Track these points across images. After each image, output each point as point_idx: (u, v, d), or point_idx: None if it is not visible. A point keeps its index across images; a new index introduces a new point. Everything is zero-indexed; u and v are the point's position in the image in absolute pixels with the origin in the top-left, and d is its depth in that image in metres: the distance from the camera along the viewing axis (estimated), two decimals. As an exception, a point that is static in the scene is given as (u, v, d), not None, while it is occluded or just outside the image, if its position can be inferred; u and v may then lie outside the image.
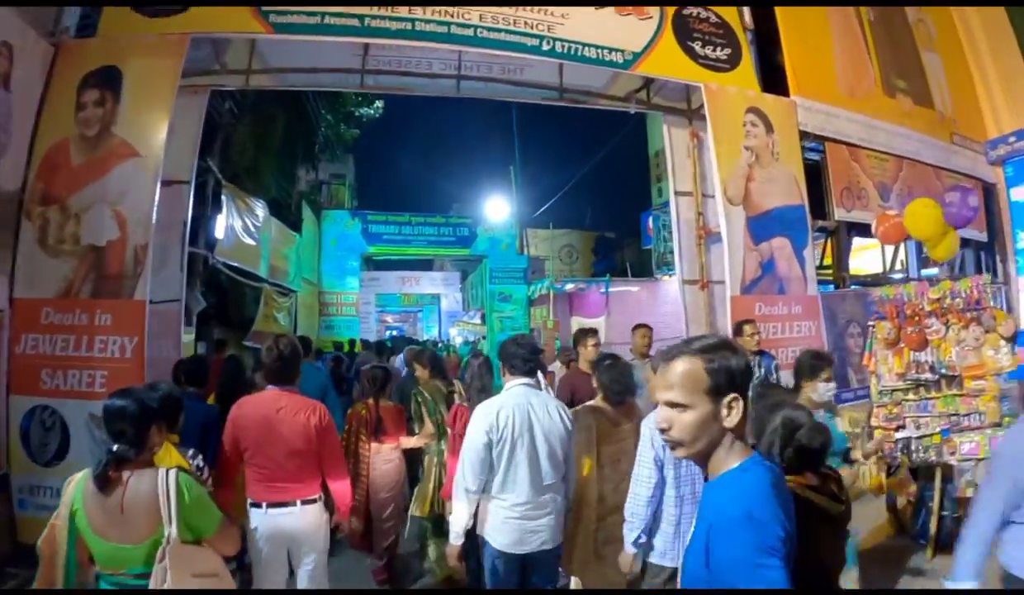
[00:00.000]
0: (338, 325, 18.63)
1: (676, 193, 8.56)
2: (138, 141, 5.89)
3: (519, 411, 3.36)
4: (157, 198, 5.76)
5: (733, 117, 8.08)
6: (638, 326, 7.06)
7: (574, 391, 5.55)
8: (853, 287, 9.41)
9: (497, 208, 22.03)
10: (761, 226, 7.89)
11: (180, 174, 6.75)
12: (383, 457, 5.17)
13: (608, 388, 3.99)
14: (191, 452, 3.40)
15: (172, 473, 2.55)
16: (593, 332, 6.45)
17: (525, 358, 3.55)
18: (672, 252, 21.70)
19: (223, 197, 10.48)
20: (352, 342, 22.12)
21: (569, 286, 18.65)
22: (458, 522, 3.42)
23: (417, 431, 5.33)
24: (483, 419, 3.36)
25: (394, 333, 44.48)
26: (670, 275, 21.70)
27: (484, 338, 24.75)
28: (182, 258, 6.52)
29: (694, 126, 8.87)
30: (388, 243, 19.54)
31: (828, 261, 10.29)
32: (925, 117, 10.35)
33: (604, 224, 35.09)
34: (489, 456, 3.31)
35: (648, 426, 3.35)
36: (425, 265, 41.56)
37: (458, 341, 29.11)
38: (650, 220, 23.47)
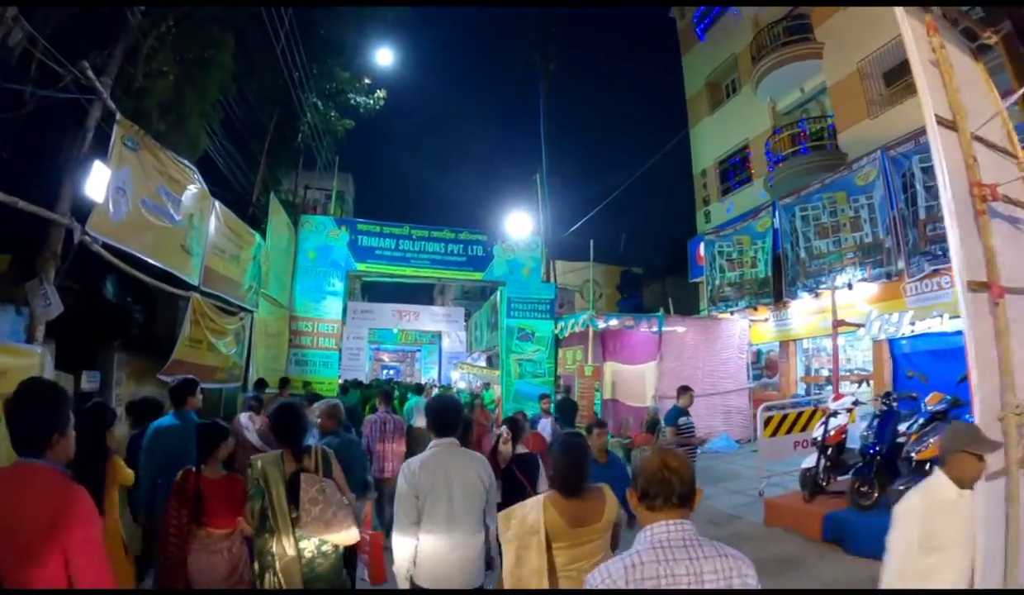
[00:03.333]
0: (312, 360, 14.46)
1: (939, 121, 4.46)
2: None
3: (437, 466, 3.63)
4: None
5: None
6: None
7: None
8: None
9: (519, 223, 17.99)
10: None
11: None
12: (207, 546, 3.94)
13: (560, 474, 3.28)
14: None
15: None
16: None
17: (440, 421, 3.82)
18: (733, 284, 18.26)
19: (114, 138, 6.43)
20: (349, 384, 18.02)
21: (613, 322, 14.48)
22: (400, 565, 3.57)
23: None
24: (407, 471, 3.60)
25: (390, 373, 41.24)
26: (730, 312, 18.10)
27: (488, 386, 20.72)
28: None
29: (932, 16, 4.93)
30: (381, 260, 15.45)
31: None
32: None
33: (631, 259, 31.92)
34: (416, 503, 3.53)
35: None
36: (426, 296, 38.30)
37: (460, 386, 25.25)
38: (700, 247, 19.82)
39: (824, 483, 7.79)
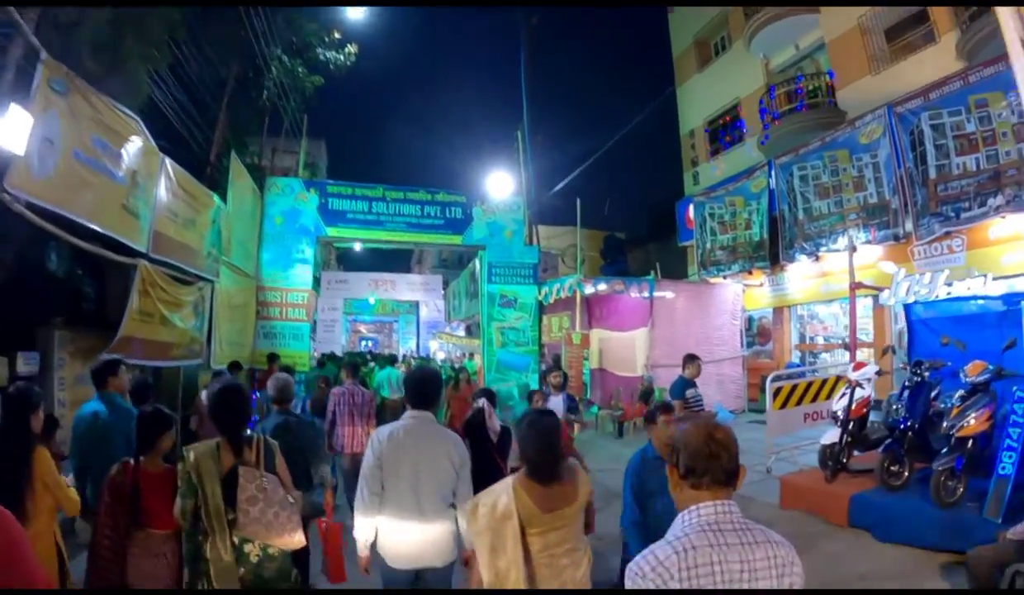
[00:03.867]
0: (282, 333, 13.62)
1: None
2: None
3: (407, 439, 3.58)
4: None
5: None
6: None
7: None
8: None
9: (500, 184, 17.11)
10: None
11: None
12: (148, 548, 3.52)
13: (532, 459, 3.00)
14: None
15: None
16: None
17: (419, 393, 3.74)
18: (725, 248, 17.45)
19: (38, 80, 5.58)
20: (326, 358, 17.31)
21: (602, 286, 13.75)
22: (360, 534, 3.59)
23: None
24: (375, 441, 3.59)
25: (369, 344, 40.60)
26: (723, 276, 17.44)
27: (469, 356, 20.01)
28: None
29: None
30: (353, 224, 14.57)
31: None
32: None
33: (614, 223, 31.33)
34: (379, 473, 3.52)
35: None
36: (403, 266, 37.43)
37: (440, 357, 24.54)
38: (690, 210, 19.14)
39: (845, 461, 7.18)
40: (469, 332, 24.29)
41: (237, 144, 14.14)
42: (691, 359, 7.48)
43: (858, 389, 7.20)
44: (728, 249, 17.11)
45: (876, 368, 7.53)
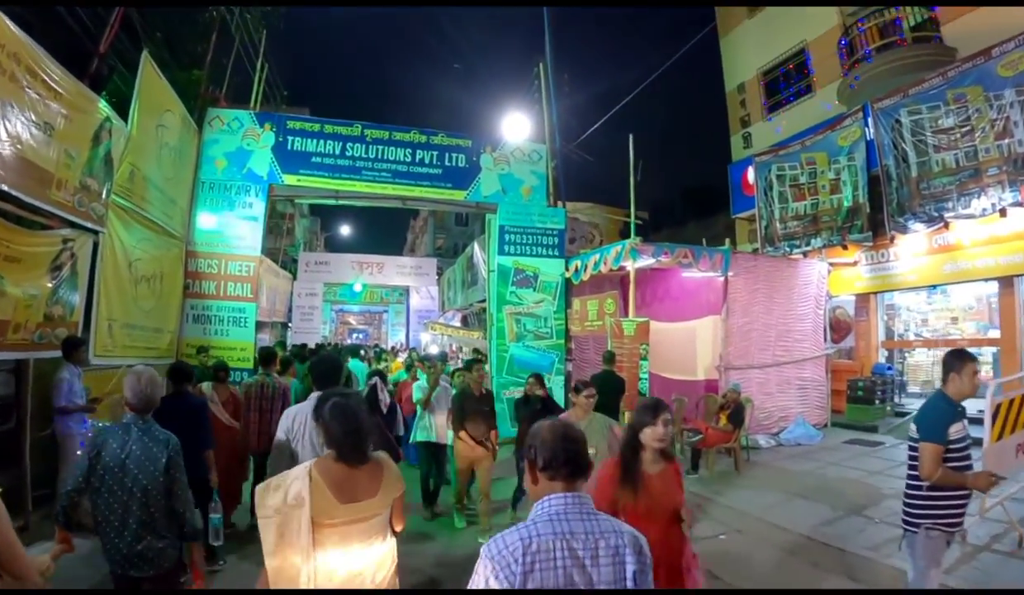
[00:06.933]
0: (219, 316, 10.39)
1: None
2: None
3: (310, 417, 3.57)
4: None
5: None
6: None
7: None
8: None
9: (515, 126, 13.65)
10: None
11: None
12: None
13: (339, 441, 2.78)
14: None
15: None
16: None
17: (323, 376, 4.11)
18: (801, 218, 12.18)
19: None
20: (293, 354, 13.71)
21: (664, 258, 10.33)
22: None
23: None
24: (284, 419, 3.90)
25: (359, 337, 37.49)
26: (802, 254, 13.92)
27: (468, 354, 16.57)
28: None
29: None
30: (321, 171, 11.32)
31: None
32: None
33: (640, 202, 27.98)
34: (288, 447, 3.78)
35: None
36: (393, 234, 34.09)
37: (433, 350, 21.11)
38: (749, 172, 15.70)
39: None
40: (465, 323, 20.99)
41: (172, 60, 10.77)
42: (962, 359, 3.77)
43: None
44: (806, 219, 13.70)
45: None
